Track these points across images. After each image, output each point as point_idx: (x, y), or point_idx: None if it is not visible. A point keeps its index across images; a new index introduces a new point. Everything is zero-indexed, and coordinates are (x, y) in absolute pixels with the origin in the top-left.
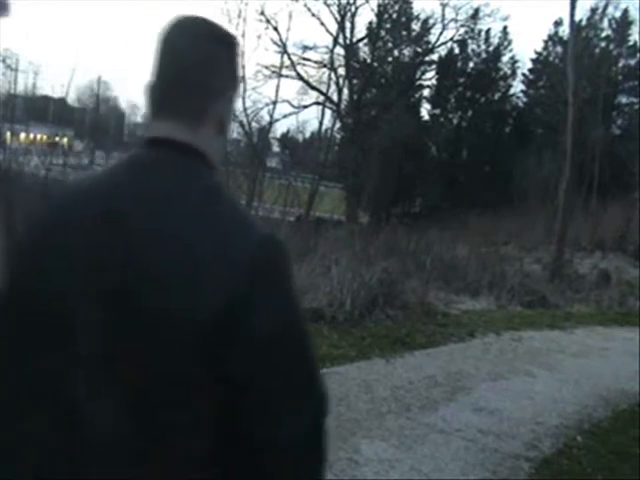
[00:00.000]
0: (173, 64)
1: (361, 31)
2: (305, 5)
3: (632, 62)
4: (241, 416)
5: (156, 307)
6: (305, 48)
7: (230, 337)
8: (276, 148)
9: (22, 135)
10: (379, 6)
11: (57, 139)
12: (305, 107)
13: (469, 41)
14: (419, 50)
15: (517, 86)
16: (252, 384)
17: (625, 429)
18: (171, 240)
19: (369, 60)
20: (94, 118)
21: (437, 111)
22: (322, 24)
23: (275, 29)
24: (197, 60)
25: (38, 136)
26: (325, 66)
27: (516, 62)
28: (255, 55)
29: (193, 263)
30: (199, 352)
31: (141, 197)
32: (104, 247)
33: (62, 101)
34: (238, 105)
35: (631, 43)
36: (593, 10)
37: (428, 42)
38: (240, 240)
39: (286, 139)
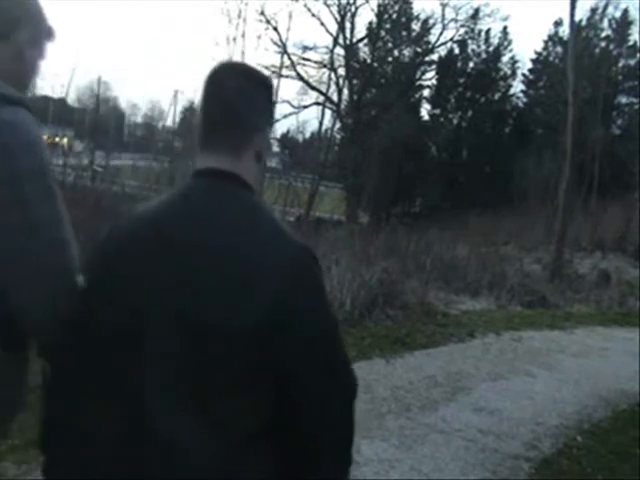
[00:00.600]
0: (219, 105)
1: (361, 31)
2: (305, 5)
3: (632, 62)
4: (291, 400)
5: (211, 313)
6: (305, 48)
7: (276, 334)
8: (276, 148)
9: None
10: (379, 6)
11: (57, 139)
12: (305, 107)
13: (469, 41)
14: (419, 50)
15: (517, 86)
16: (297, 373)
17: (625, 429)
18: (216, 250)
19: (369, 60)
20: (94, 118)
21: (437, 111)
22: (322, 24)
23: (275, 29)
24: (240, 101)
25: None
26: (325, 66)
27: (516, 62)
28: (255, 55)
29: (237, 272)
30: (250, 349)
31: (188, 218)
32: (159, 267)
33: (62, 101)
34: None
35: (631, 43)
36: (593, 10)
37: (428, 42)
38: (278, 250)
39: (286, 139)
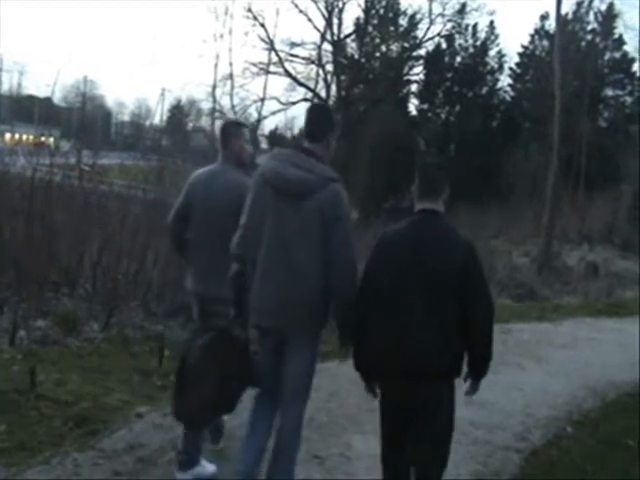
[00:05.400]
0: (428, 179)
1: (348, 27)
2: (292, 1)
3: (617, 55)
4: (465, 306)
5: (434, 266)
6: (293, 45)
7: (462, 276)
8: (264, 145)
9: (7, 135)
10: (366, 2)
11: (43, 139)
12: (293, 104)
13: (456, 36)
14: (407, 45)
15: (504, 80)
16: (469, 293)
17: (614, 419)
18: (435, 241)
19: (357, 56)
20: (81, 117)
21: (425, 106)
22: (309, 20)
23: (262, 26)
24: (437, 178)
25: (24, 136)
26: (313, 62)
27: (503, 56)
28: (242, 52)
29: (444, 250)
30: (451, 281)
31: (421, 229)
32: (412, 249)
33: (48, 100)
34: (226, 102)
35: (616, 36)
36: (579, 3)
37: (415, 37)
38: (462, 241)
39: (274, 136)
